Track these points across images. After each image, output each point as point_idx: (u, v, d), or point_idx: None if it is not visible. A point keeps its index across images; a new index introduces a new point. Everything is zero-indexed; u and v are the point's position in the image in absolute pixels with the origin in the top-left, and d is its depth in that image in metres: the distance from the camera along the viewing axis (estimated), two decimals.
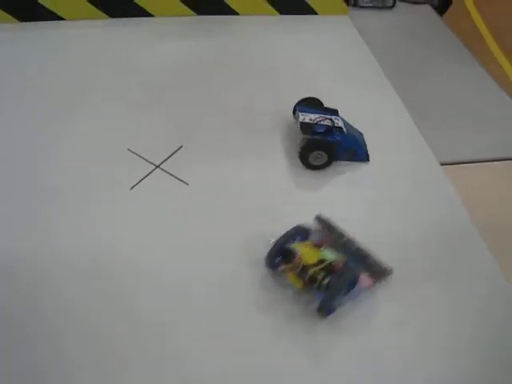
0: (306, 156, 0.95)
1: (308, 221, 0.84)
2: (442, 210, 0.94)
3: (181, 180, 0.93)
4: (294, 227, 0.79)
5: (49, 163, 0.95)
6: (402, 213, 0.92)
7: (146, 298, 0.75)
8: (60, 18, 1.29)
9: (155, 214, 0.88)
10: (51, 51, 1.21)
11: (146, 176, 0.94)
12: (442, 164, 1.04)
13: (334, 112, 1.01)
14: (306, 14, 1.40)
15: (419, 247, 0.86)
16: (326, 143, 0.94)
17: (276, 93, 1.13)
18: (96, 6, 1.27)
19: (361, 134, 1.04)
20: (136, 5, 1.29)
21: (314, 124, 0.96)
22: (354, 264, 0.77)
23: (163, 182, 0.93)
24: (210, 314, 0.74)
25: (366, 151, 1.02)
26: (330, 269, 0.74)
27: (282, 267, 0.77)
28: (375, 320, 0.76)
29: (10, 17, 1.26)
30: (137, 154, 0.97)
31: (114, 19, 1.31)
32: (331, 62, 1.24)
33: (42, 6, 1.25)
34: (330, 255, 0.76)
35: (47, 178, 0.92)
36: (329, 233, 0.84)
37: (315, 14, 1.41)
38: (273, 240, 0.78)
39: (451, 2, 1.96)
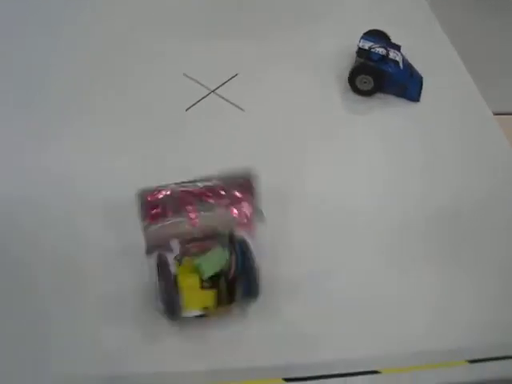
0: (353, 79, 0.97)
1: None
2: (492, 159, 0.93)
3: (236, 106, 0.94)
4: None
5: (107, 85, 0.96)
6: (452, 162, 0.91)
7: None
8: None
9: (209, 135, 0.89)
10: None
11: (201, 99, 0.94)
12: (495, 114, 1.03)
13: (397, 47, 1.00)
14: None
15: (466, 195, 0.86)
16: (374, 69, 0.95)
17: (339, 25, 1.12)
18: None
19: (420, 76, 1.03)
20: None
21: (369, 50, 0.96)
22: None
23: (218, 107, 0.94)
24: None
25: (419, 92, 1.01)
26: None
27: None
28: None
29: None
30: (192, 79, 0.97)
31: None
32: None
33: None
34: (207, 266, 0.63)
35: (106, 101, 0.93)
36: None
37: None
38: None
39: None
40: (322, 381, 0.63)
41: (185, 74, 0.98)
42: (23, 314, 0.66)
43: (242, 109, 0.94)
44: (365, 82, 0.97)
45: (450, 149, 0.93)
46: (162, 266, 0.63)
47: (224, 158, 0.84)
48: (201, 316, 0.63)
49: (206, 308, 0.63)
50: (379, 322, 0.69)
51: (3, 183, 0.80)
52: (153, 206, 0.63)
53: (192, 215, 0.63)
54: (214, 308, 0.63)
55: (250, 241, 0.66)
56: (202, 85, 0.96)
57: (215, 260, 0.63)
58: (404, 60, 0.99)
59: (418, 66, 1.04)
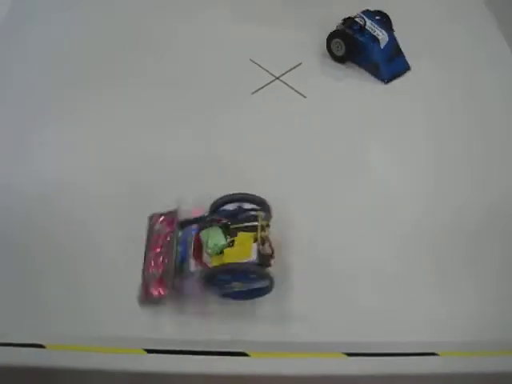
0: (329, 43, 1.01)
1: None
2: None
3: (299, 92, 0.96)
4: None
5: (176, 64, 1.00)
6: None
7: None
8: None
9: (273, 119, 0.92)
10: None
11: (267, 85, 0.97)
12: None
13: (388, 29, 1.00)
14: None
15: None
16: (347, 35, 0.98)
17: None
18: None
19: (405, 65, 1.01)
20: None
21: (352, 19, 1.00)
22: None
23: (282, 93, 0.96)
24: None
25: (391, 76, 1.00)
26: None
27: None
28: None
29: None
30: (258, 65, 1.00)
31: None
32: None
33: None
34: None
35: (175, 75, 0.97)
36: None
37: None
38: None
39: None
40: (383, 358, 0.65)
41: (251, 60, 1.01)
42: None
43: (304, 95, 0.96)
44: (338, 48, 1.00)
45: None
46: None
47: (285, 139, 0.88)
48: None
49: None
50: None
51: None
52: None
53: None
54: None
55: None
56: (267, 71, 0.99)
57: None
58: (391, 43, 0.99)
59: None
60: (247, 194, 0.70)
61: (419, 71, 1.02)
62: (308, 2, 1.16)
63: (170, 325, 0.67)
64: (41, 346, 0.62)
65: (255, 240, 0.65)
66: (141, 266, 0.69)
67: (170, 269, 0.66)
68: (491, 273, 0.75)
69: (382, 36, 0.99)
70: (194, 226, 0.70)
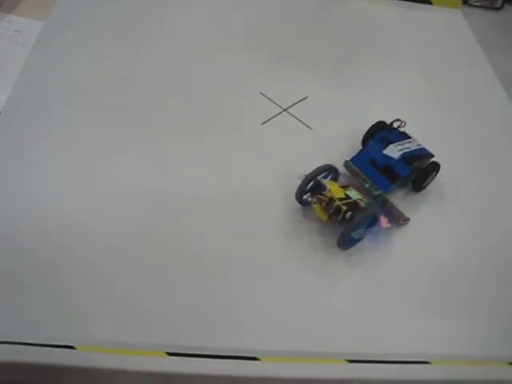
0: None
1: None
2: None
3: (305, 124, 1.05)
4: (326, 164, 0.88)
5: (188, 96, 1.08)
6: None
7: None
8: None
9: (280, 148, 1.00)
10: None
11: (275, 116, 1.06)
12: None
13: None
14: (420, 3, 1.49)
15: None
16: None
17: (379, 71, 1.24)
18: None
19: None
20: None
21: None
22: (375, 207, 0.85)
23: (289, 124, 1.05)
24: (236, 234, 0.86)
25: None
26: (354, 205, 0.82)
27: (310, 199, 0.85)
28: (392, 257, 0.85)
29: None
30: (267, 98, 1.09)
31: None
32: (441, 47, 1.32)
33: None
34: (355, 195, 0.84)
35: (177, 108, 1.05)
36: (354, 178, 0.92)
37: (429, 3, 1.50)
38: (305, 174, 0.86)
39: None
40: (379, 365, 0.71)
41: (261, 93, 1.09)
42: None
43: (310, 127, 1.04)
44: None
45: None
46: None
47: (292, 168, 0.95)
48: None
49: None
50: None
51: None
52: None
53: None
54: None
55: None
56: (276, 103, 1.08)
57: None
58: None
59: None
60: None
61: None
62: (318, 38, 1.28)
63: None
64: (72, 347, 0.69)
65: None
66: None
67: None
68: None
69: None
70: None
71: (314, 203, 0.83)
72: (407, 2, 1.48)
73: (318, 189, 0.85)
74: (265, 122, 1.04)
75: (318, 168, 0.86)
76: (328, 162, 0.88)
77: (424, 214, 0.93)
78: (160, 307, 0.75)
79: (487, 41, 1.45)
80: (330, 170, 0.88)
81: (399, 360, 0.72)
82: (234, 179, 0.93)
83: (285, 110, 1.07)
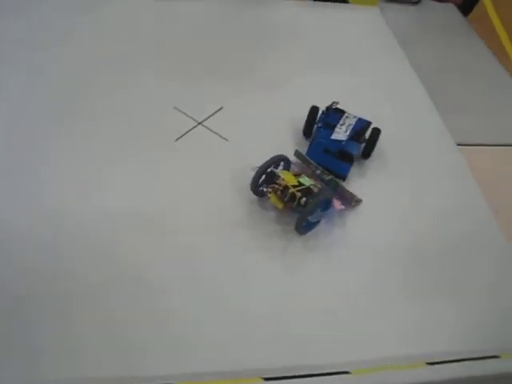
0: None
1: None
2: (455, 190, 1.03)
3: (221, 136, 1.03)
4: (278, 155, 0.91)
5: (104, 117, 1.05)
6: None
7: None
8: None
9: (195, 164, 0.98)
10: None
11: (189, 130, 1.03)
12: (458, 144, 1.14)
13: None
14: (337, 1, 1.49)
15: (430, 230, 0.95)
16: None
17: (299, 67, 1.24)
18: None
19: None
20: None
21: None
22: (328, 191, 0.89)
23: (205, 138, 1.03)
24: (202, 232, 0.88)
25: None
26: (307, 191, 0.86)
27: (265, 189, 0.88)
28: (347, 238, 0.89)
29: None
30: (182, 112, 1.06)
31: None
32: (360, 44, 1.32)
33: None
34: (307, 181, 0.88)
35: (104, 133, 1.01)
36: (306, 165, 0.96)
37: (346, 2, 1.50)
38: (257, 166, 0.89)
39: (475, 4, 2.05)
40: (300, 379, 0.70)
41: (175, 107, 1.07)
42: None
43: (225, 139, 1.02)
44: None
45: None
46: None
47: (210, 184, 0.93)
48: None
49: None
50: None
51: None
52: None
53: None
54: None
55: None
56: (190, 117, 1.05)
57: None
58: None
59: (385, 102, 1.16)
60: None
61: None
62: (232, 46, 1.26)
63: None
64: None
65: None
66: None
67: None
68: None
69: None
70: None
71: (269, 192, 0.87)
72: (323, 3, 1.48)
73: (271, 179, 0.88)
74: (179, 138, 1.01)
75: (271, 159, 0.89)
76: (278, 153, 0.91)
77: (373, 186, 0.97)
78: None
79: (405, 34, 1.47)
80: (282, 160, 0.92)
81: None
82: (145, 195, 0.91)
83: (200, 123, 1.05)
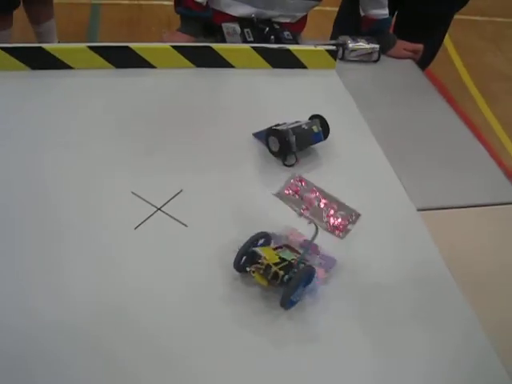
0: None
1: None
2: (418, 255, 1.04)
3: (180, 222, 1.02)
4: (257, 233, 0.94)
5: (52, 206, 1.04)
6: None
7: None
8: (69, 67, 1.40)
9: (156, 252, 0.98)
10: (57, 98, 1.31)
11: (148, 218, 1.03)
12: (419, 210, 1.15)
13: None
14: (296, 68, 1.52)
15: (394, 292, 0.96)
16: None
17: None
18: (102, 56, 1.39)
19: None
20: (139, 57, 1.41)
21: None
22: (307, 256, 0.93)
23: (164, 223, 1.02)
24: (187, 309, 0.89)
25: None
26: (289, 266, 0.88)
27: (249, 268, 0.89)
28: (333, 311, 0.91)
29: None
30: (140, 197, 1.06)
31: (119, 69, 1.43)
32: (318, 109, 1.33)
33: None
34: (288, 255, 0.90)
35: (51, 221, 1.01)
36: None
37: (305, 68, 1.53)
38: (239, 245, 0.91)
39: (432, 59, 2.12)
40: None
41: (133, 193, 1.07)
42: None
43: (185, 224, 1.02)
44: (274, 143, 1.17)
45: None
46: None
47: (168, 274, 0.93)
48: None
49: None
50: None
51: None
52: None
53: None
54: None
55: None
56: (149, 202, 1.05)
57: None
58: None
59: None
60: None
61: None
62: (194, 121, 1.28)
63: None
64: None
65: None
66: None
67: None
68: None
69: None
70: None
71: (253, 272, 0.88)
72: (283, 69, 1.51)
73: (253, 257, 0.90)
74: (138, 226, 1.01)
75: (251, 238, 0.92)
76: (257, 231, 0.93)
77: None
78: None
79: (364, 94, 1.50)
80: (262, 237, 0.94)
81: None
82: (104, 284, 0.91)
83: (158, 208, 1.05)
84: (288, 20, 1.66)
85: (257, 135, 1.25)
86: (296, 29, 1.68)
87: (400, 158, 1.28)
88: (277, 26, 1.59)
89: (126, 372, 0.80)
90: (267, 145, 1.20)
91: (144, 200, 1.06)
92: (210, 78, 1.45)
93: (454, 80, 1.57)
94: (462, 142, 1.40)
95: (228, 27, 1.56)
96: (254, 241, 0.92)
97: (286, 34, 1.56)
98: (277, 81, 1.48)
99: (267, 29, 1.56)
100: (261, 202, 1.09)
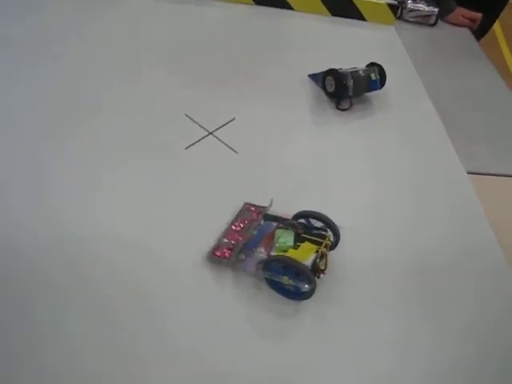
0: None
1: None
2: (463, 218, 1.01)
3: (231, 148, 1.01)
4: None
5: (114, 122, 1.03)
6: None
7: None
8: None
9: (204, 174, 0.96)
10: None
11: (200, 140, 1.01)
12: (469, 173, 1.12)
13: None
14: (355, 19, 1.48)
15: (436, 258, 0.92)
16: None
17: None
18: None
19: None
20: None
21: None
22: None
23: (215, 148, 1.01)
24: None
25: None
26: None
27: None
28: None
29: None
30: (193, 120, 1.04)
31: None
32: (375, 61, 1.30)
33: None
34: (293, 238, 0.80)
35: (110, 139, 0.99)
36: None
37: (364, 20, 1.49)
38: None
39: (487, 31, 2.06)
40: None
41: (186, 115, 1.05)
42: None
43: (235, 151, 1.01)
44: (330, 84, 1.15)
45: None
46: None
47: (216, 197, 0.91)
48: None
49: None
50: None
51: None
52: None
53: None
54: None
55: None
56: (201, 126, 1.03)
57: None
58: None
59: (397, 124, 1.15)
60: (327, 216, 0.82)
61: None
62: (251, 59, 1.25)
63: None
64: None
65: (316, 252, 0.77)
66: None
67: (240, 244, 0.81)
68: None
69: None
70: (275, 224, 0.83)
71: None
72: (342, 19, 1.48)
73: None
74: (189, 147, 1.00)
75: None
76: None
77: None
78: None
79: (420, 55, 1.46)
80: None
81: None
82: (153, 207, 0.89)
83: (210, 133, 1.03)
84: None
85: (312, 76, 1.23)
86: None
87: (453, 122, 1.25)
88: None
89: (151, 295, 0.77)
90: (323, 85, 1.17)
91: (197, 123, 1.04)
92: (268, 17, 1.42)
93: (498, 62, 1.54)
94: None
95: None
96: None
97: None
98: (334, 28, 1.44)
99: None
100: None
